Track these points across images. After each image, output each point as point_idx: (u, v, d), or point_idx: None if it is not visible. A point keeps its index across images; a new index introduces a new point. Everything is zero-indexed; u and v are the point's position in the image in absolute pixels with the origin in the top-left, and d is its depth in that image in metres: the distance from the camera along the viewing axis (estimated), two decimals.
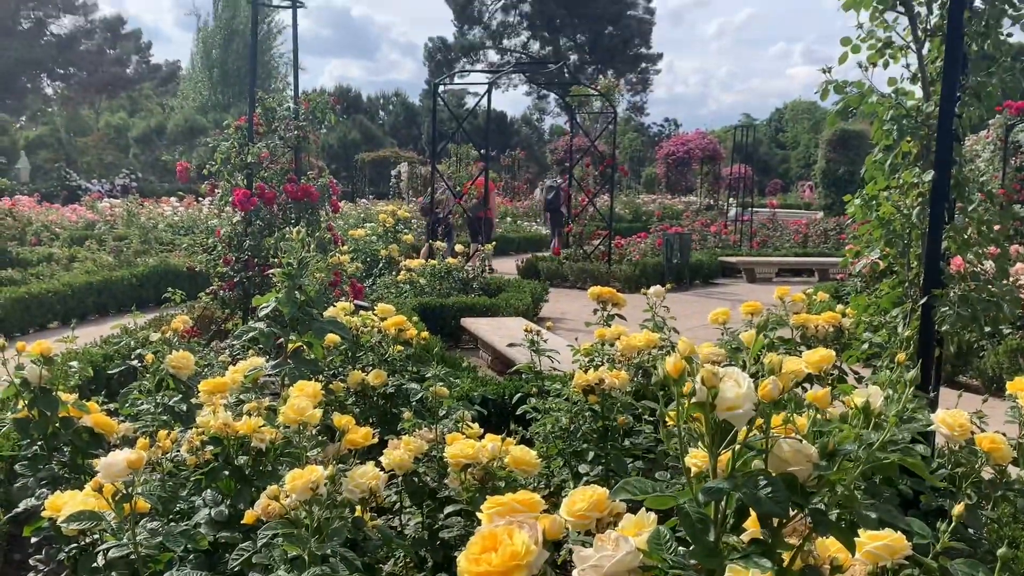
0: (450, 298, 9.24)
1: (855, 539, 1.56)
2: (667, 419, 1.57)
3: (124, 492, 2.18)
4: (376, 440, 2.75)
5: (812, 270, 15.34)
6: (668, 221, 19.79)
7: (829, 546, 1.60)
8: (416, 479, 2.83)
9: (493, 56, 59.57)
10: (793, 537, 1.58)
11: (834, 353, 2.81)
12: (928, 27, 3.60)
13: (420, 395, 3.55)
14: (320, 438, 2.78)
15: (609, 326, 3.85)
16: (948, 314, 3.33)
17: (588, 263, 14.02)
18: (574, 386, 3.20)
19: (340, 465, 2.42)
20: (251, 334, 3.55)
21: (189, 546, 2.32)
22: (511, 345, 5.13)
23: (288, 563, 2.11)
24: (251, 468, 2.63)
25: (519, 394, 4.09)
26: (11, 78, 50.48)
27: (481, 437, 2.62)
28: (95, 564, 2.25)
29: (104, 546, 2.20)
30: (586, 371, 3.23)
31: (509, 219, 24.20)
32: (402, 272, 9.55)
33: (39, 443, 3.01)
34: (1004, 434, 2.51)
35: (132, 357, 4.33)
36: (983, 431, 2.58)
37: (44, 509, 2.34)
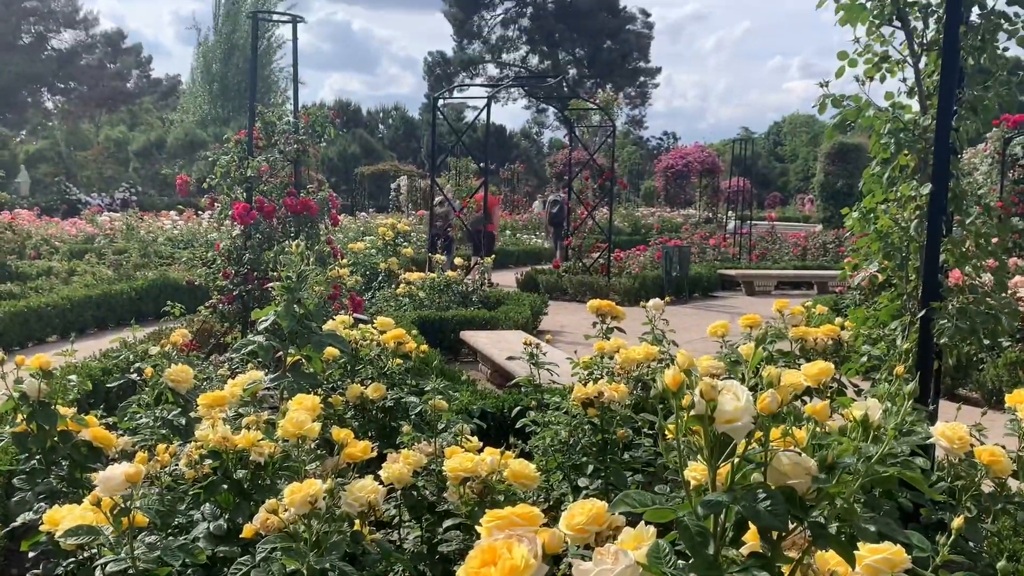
0: (449, 311, 9.24)
1: (855, 552, 1.55)
2: (666, 432, 1.57)
3: (122, 506, 2.18)
4: (375, 454, 2.74)
5: (811, 283, 15.34)
6: (667, 234, 19.81)
7: (829, 559, 1.60)
8: (415, 493, 2.82)
9: (492, 70, 59.84)
10: (792, 550, 1.58)
11: (833, 366, 2.81)
12: (924, 41, 3.62)
13: (419, 408, 3.54)
14: (319, 452, 2.77)
15: (608, 339, 3.85)
16: (947, 327, 3.34)
17: (587, 276, 14.02)
18: (573, 399, 3.19)
19: (339, 479, 2.42)
20: (250, 347, 3.55)
21: (187, 560, 2.32)
22: (510, 358, 5.13)
23: None
24: (250, 482, 2.62)
25: (518, 407, 4.08)
26: (12, 92, 50.66)
27: (480, 451, 2.61)
28: None
29: (102, 560, 2.20)
30: (585, 384, 3.22)
31: (508, 232, 24.22)
32: (401, 285, 9.55)
33: (37, 457, 3.00)
34: (1004, 447, 2.51)
35: (131, 371, 4.32)
36: (982, 444, 2.57)
37: (42, 523, 2.34)
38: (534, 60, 60.40)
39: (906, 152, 3.61)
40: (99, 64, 57.68)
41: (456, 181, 17.74)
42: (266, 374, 3.34)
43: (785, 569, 1.54)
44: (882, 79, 3.75)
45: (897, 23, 3.65)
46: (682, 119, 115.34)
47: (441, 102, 13.62)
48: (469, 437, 2.97)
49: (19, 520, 2.77)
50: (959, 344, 3.49)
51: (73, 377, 4.50)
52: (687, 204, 32.01)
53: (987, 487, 2.56)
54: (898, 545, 1.60)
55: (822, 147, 26.72)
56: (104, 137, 43.09)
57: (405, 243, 11.82)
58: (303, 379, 3.42)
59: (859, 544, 1.56)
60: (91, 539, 2.21)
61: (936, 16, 3.56)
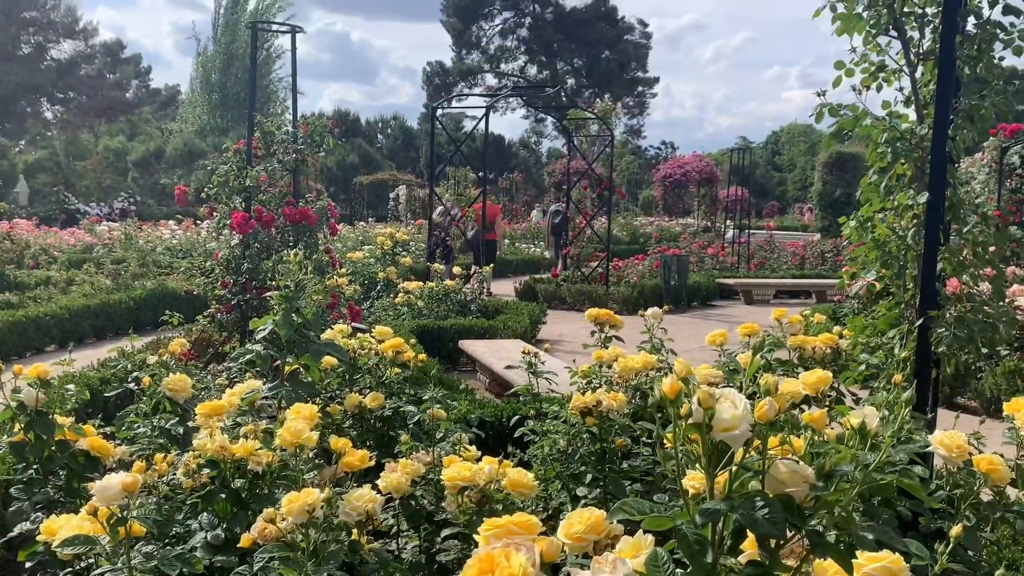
0: (448, 320, 9.23)
1: (853, 561, 1.55)
2: (664, 441, 1.57)
3: (119, 516, 2.17)
4: (373, 463, 2.74)
5: (809, 292, 15.36)
6: (666, 243, 19.84)
7: (827, 568, 1.60)
8: (413, 502, 2.82)
9: (491, 80, 60.03)
10: (790, 559, 1.58)
11: (831, 374, 2.81)
12: (921, 51, 3.63)
13: (417, 418, 3.54)
14: (317, 461, 2.77)
15: (607, 348, 3.85)
16: (945, 335, 3.34)
17: (586, 285, 14.03)
18: (572, 408, 3.19)
19: (337, 488, 2.41)
20: (248, 357, 3.55)
21: (185, 570, 2.31)
22: (509, 367, 5.13)
23: None
24: (247, 491, 2.62)
25: (517, 416, 4.08)
26: (11, 102, 50.75)
27: (478, 460, 2.61)
28: None
29: (99, 571, 2.19)
30: (584, 393, 3.22)
31: (508, 241, 24.25)
32: (400, 294, 9.55)
33: (35, 467, 3.00)
34: (1002, 455, 2.51)
35: (129, 380, 4.32)
36: (981, 452, 2.57)
37: (39, 533, 2.33)
38: (532, 70, 60.61)
39: (903, 161, 3.62)
40: (98, 74, 57.79)
41: (455, 190, 17.77)
42: (264, 383, 3.34)
43: None
44: (879, 88, 3.76)
45: (893, 33, 3.67)
46: (680, 128, 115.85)
47: (440, 112, 13.65)
48: (467, 446, 2.97)
49: (16, 530, 2.76)
50: (957, 353, 3.49)
51: (71, 386, 4.50)
52: (685, 213, 32.07)
53: (986, 495, 2.56)
54: (896, 553, 1.60)
55: (820, 156, 26.80)
56: (103, 147, 43.17)
57: (404, 252, 11.83)
58: (301, 388, 3.42)
59: (857, 552, 1.56)
60: (88, 549, 2.20)
61: (932, 26, 3.57)
